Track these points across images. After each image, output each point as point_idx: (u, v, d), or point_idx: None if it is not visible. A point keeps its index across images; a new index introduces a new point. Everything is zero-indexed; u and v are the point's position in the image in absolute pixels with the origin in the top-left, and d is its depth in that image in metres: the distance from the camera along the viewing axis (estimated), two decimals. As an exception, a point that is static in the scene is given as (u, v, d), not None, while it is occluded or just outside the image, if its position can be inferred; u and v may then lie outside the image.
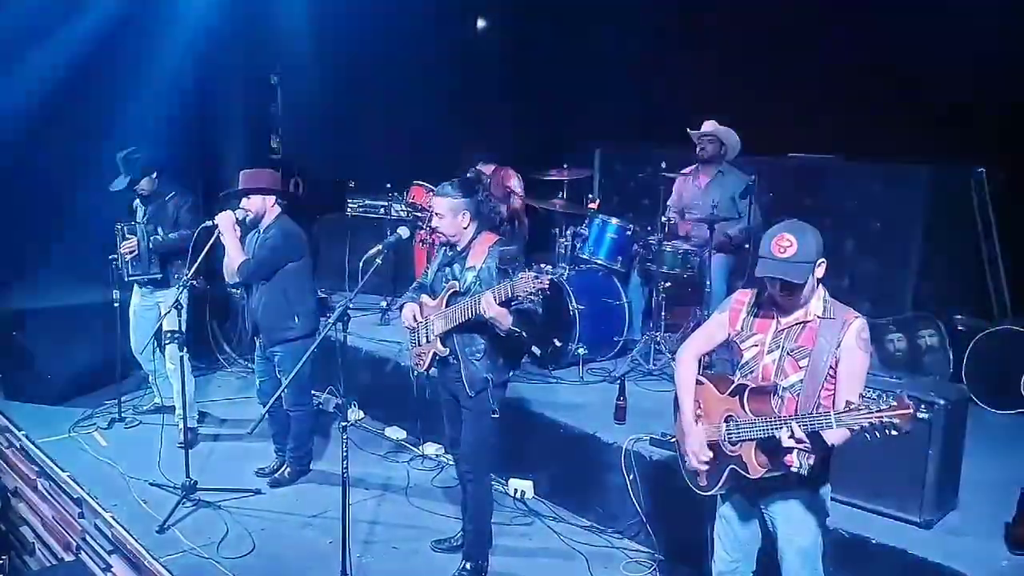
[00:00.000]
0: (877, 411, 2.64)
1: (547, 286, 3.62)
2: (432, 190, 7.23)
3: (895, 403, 2.62)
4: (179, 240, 5.70)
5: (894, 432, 2.63)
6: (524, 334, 4.01)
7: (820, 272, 3.04)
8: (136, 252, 5.81)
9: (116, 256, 5.89)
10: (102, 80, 7.52)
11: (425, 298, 4.24)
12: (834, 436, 2.87)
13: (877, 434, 2.66)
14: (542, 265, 3.78)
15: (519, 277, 3.65)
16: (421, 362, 4.25)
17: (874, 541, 3.80)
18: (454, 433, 4.36)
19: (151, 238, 5.81)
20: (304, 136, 8.73)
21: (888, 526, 3.91)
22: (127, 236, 5.84)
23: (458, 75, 9.24)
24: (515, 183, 7.14)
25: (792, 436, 2.85)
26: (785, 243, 2.97)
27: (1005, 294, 6.42)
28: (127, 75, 7.77)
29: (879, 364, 5.03)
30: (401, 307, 4.41)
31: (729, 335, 3.29)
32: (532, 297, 3.67)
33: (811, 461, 3.04)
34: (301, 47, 8.52)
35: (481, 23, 10.26)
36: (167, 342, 5.54)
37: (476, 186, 4.68)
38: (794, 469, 3.05)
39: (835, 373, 3.01)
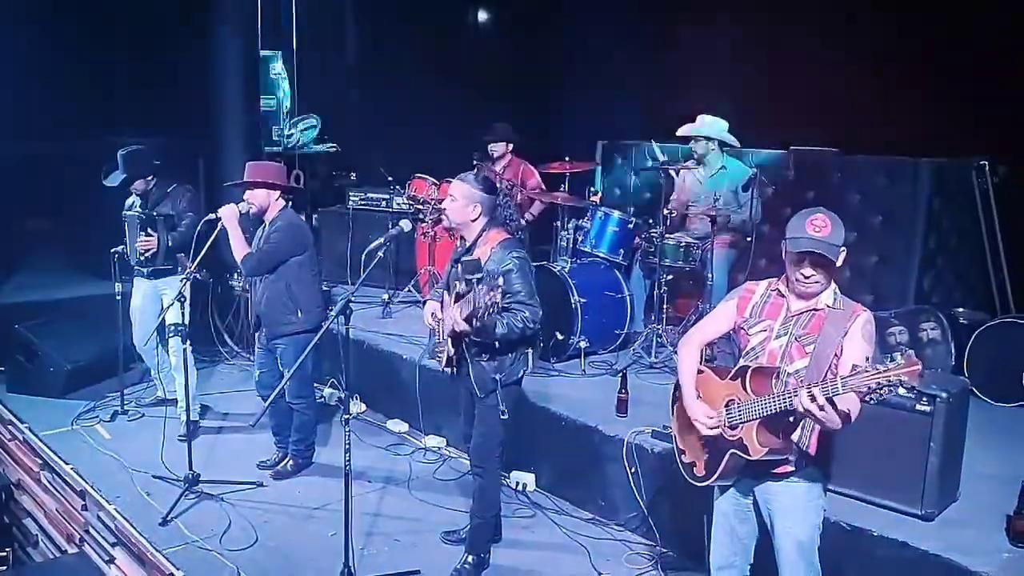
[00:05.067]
0: (884, 370, 2.64)
1: (499, 300, 3.50)
2: (435, 183, 7.30)
3: (903, 361, 2.63)
4: (188, 233, 5.62)
5: (902, 390, 2.65)
6: (497, 344, 3.95)
7: (840, 260, 3.07)
8: (155, 250, 5.76)
9: (123, 247, 5.87)
10: (103, 71, 7.54)
11: (445, 295, 4.21)
12: (846, 402, 2.86)
13: (886, 393, 2.67)
14: (506, 267, 3.73)
15: (478, 289, 3.56)
16: (440, 360, 4.24)
17: (875, 533, 3.80)
18: (468, 429, 4.35)
19: (170, 234, 5.75)
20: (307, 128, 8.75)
21: (889, 518, 3.90)
22: (148, 232, 5.74)
23: (459, 68, 9.23)
24: (533, 182, 7.11)
25: (814, 400, 2.82)
26: (820, 223, 3.02)
27: (1007, 287, 6.41)
28: (129, 64, 7.79)
29: (880, 357, 5.02)
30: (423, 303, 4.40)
31: (736, 323, 3.30)
32: (490, 310, 3.57)
33: (814, 438, 3.07)
34: (304, 40, 8.53)
35: (483, 15, 10.26)
36: (170, 335, 5.54)
37: (496, 187, 4.58)
38: (798, 443, 3.07)
39: (839, 362, 3.02)
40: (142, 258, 5.81)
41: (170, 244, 5.76)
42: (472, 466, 4.34)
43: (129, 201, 6.01)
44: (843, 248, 3.05)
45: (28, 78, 7.04)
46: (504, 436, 4.20)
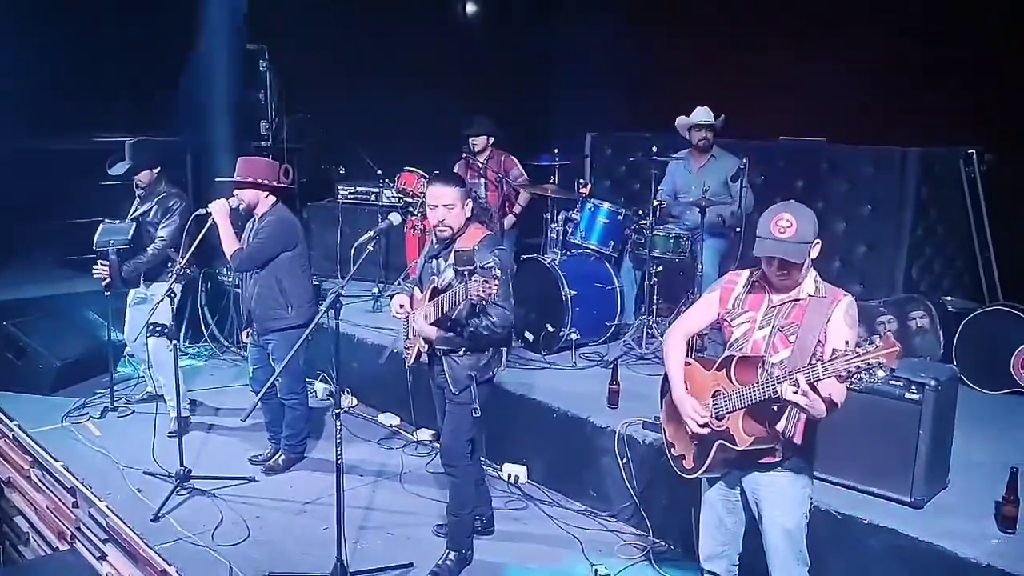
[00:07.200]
0: (864, 353, 2.63)
1: (494, 290, 3.45)
2: (425, 176, 7.27)
3: (881, 343, 2.62)
4: (152, 259, 5.69)
5: (881, 373, 2.62)
6: (463, 349, 3.94)
7: (815, 253, 3.07)
8: (109, 279, 5.75)
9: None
10: (91, 69, 7.49)
11: (416, 291, 4.21)
12: (828, 388, 2.86)
13: (866, 377, 2.65)
14: (487, 264, 3.67)
15: (471, 281, 3.48)
16: (408, 354, 4.23)
17: (865, 521, 3.82)
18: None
19: (123, 264, 5.71)
20: (293, 122, 8.71)
21: (879, 506, 3.93)
22: (104, 260, 5.72)
23: (447, 61, 9.20)
24: (516, 172, 7.10)
25: (798, 389, 2.82)
26: (784, 223, 2.99)
27: (995, 275, 6.44)
28: (118, 62, 7.75)
29: (859, 341, 5.05)
30: (392, 296, 4.38)
31: (719, 314, 3.30)
32: (484, 302, 3.54)
33: (800, 426, 3.06)
34: (290, 33, 8.49)
35: (471, 8, 10.22)
36: (148, 335, 5.49)
37: (462, 178, 4.55)
38: (784, 432, 3.06)
39: (823, 350, 3.02)
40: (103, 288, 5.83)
41: (123, 276, 5.74)
42: (444, 466, 4.31)
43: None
44: (814, 242, 3.04)
45: (16, 77, 6.99)
46: (474, 433, 4.19)
